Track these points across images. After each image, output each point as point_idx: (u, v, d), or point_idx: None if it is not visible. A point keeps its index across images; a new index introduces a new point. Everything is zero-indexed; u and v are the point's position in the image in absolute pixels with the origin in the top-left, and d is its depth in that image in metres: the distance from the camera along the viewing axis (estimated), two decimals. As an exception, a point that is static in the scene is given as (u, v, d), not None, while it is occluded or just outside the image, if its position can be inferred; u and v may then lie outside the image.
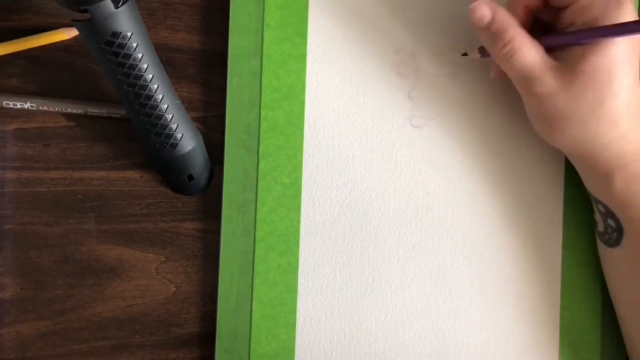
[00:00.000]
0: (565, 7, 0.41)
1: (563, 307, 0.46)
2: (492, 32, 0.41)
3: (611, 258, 0.44)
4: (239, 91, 0.45)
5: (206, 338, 0.46)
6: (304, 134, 0.45)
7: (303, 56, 0.45)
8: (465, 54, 0.45)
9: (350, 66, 0.46)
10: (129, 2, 0.39)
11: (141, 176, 0.46)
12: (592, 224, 0.46)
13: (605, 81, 0.39)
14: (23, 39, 0.44)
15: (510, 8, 0.42)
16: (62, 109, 0.44)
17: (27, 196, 0.45)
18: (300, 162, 0.45)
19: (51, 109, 0.44)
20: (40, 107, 0.44)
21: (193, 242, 0.46)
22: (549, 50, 0.41)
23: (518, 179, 0.46)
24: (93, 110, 0.44)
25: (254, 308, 0.45)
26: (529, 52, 0.40)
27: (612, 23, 0.39)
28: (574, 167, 0.46)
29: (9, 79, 0.45)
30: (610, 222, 0.43)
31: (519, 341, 0.46)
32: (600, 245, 0.45)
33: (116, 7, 0.38)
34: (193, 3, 0.46)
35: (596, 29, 0.39)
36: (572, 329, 0.46)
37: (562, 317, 0.46)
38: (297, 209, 0.45)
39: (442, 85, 0.46)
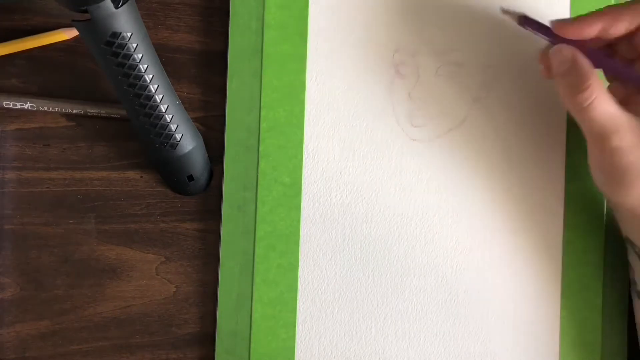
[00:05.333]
0: (628, 37, 0.40)
1: (563, 307, 0.46)
2: (572, 77, 0.39)
3: None
4: (239, 91, 0.45)
5: (206, 338, 0.46)
6: (304, 134, 0.45)
7: (303, 56, 0.45)
8: (506, 12, 0.43)
9: (350, 66, 0.46)
10: (129, 2, 0.39)
11: (141, 176, 0.46)
12: (592, 226, 0.46)
13: None
14: (23, 39, 0.44)
15: (602, 17, 0.40)
16: (62, 109, 0.44)
17: (27, 196, 0.45)
18: (301, 161, 0.45)
19: (51, 109, 0.44)
20: (40, 107, 0.44)
21: (193, 242, 0.46)
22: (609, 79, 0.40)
23: (518, 178, 0.46)
24: (93, 110, 0.44)
25: (254, 308, 0.45)
26: (609, 103, 0.39)
27: None
28: (574, 167, 0.46)
29: (9, 79, 0.45)
30: None
31: (519, 341, 0.46)
32: (635, 297, 0.44)
33: (116, 8, 0.38)
34: (193, 3, 0.46)
35: None
36: (572, 329, 0.46)
37: (562, 317, 0.46)
38: (297, 208, 0.45)
39: (442, 84, 0.46)
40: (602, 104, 0.39)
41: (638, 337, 0.45)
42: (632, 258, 0.44)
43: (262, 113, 0.45)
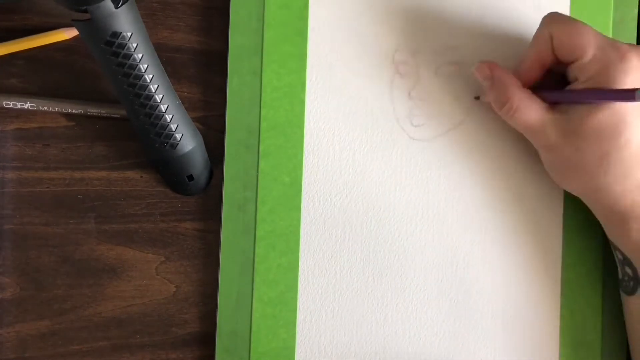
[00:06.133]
0: (571, 63, 0.41)
1: (563, 307, 0.46)
2: (494, 92, 0.42)
3: (628, 306, 0.44)
4: (239, 90, 0.45)
5: (206, 338, 0.46)
6: (304, 133, 0.45)
7: (303, 55, 0.45)
8: (477, 98, 0.46)
9: (350, 65, 0.46)
10: (129, 2, 0.39)
11: (141, 176, 0.46)
12: (591, 226, 0.46)
13: (611, 134, 0.39)
14: (23, 39, 0.44)
15: (524, 63, 0.43)
16: (62, 109, 0.44)
17: (27, 196, 0.45)
18: (301, 161, 0.45)
19: (51, 109, 0.44)
20: (40, 107, 0.44)
21: (193, 242, 0.46)
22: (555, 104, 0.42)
23: (518, 178, 0.46)
24: (93, 110, 0.44)
25: (254, 307, 0.45)
26: (528, 110, 0.41)
27: (615, 79, 0.39)
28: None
29: (9, 79, 0.45)
30: (628, 270, 0.43)
31: (519, 341, 0.46)
32: (620, 293, 0.45)
33: (116, 7, 0.38)
34: (193, 3, 0.46)
35: (592, 91, 0.40)
36: (572, 329, 0.46)
37: (562, 317, 0.46)
38: (298, 208, 0.45)
39: (442, 84, 0.46)
40: (522, 113, 0.41)
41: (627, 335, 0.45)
42: (614, 254, 0.45)
43: (262, 112, 0.45)
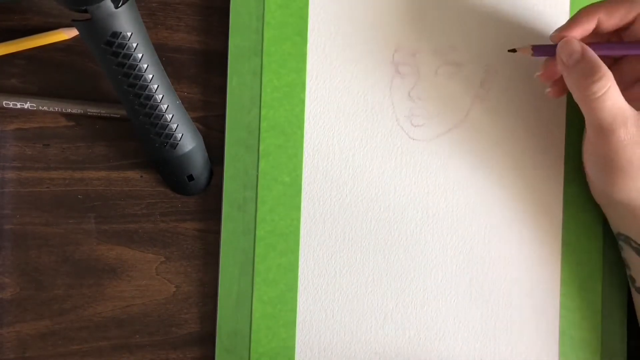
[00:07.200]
0: (625, 28, 0.40)
1: (563, 307, 0.46)
2: (581, 69, 0.39)
3: None
4: (239, 90, 0.45)
5: (206, 338, 0.46)
6: (304, 133, 0.45)
7: (303, 55, 0.45)
8: (513, 50, 0.43)
9: (350, 65, 0.46)
10: (129, 2, 0.39)
11: (141, 176, 0.46)
12: (592, 226, 0.46)
13: None
14: (23, 39, 0.44)
15: (566, 30, 0.41)
16: (62, 109, 0.44)
17: (27, 196, 0.45)
18: (301, 161, 0.45)
19: (51, 109, 0.44)
20: (40, 107, 0.44)
21: (193, 242, 0.46)
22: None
23: (517, 178, 0.46)
24: (93, 110, 0.44)
25: (254, 307, 0.45)
26: (620, 95, 0.39)
27: None
28: (573, 168, 0.46)
29: (9, 79, 0.45)
30: None
31: (519, 341, 0.46)
32: (634, 293, 0.45)
33: (116, 7, 0.38)
34: (193, 3, 0.46)
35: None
36: (572, 329, 0.46)
37: (562, 317, 0.46)
38: (298, 208, 0.45)
39: (442, 84, 0.46)
40: (614, 95, 0.39)
41: None
42: (629, 254, 0.44)
43: (262, 112, 0.45)
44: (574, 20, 0.41)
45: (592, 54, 0.40)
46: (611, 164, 0.40)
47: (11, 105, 0.44)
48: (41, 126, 0.45)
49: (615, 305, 0.46)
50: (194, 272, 0.46)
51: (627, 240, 0.43)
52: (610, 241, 0.46)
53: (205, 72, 0.46)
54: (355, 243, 0.45)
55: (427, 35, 0.46)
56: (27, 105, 0.44)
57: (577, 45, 0.40)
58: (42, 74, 0.45)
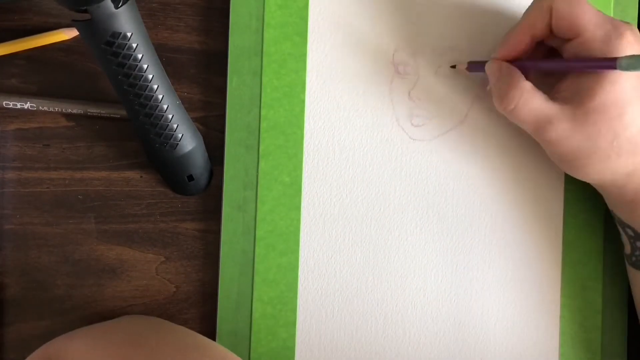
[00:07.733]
0: (569, 40, 0.41)
1: (563, 307, 0.46)
2: (499, 85, 0.41)
3: (638, 281, 0.44)
4: (239, 90, 0.45)
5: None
6: (304, 133, 0.45)
7: (303, 55, 0.45)
8: (453, 67, 0.46)
9: (350, 65, 0.46)
10: (129, 2, 0.39)
11: (141, 176, 0.46)
12: (592, 225, 0.46)
13: (617, 114, 0.39)
14: (23, 39, 0.44)
15: (515, 33, 0.42)
16: (62, 109, 0.44)
17: (27, 196, 0.45)
18: (301, 161, 0.45)
19: (51, 109, 0.44)
20: (40, 107, 0.44)
21: (193, 242, 0.46)
22: (550, 77, 0.42)
23: (517, 178, 0.46)
24: (93, 110, 0.44)
25: (254, 307, 0.45)
26: (535, 100, 0.40)
27: (612, 56, 0.39)
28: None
29: (9, 79, 0.45)
30: (639, 244, 0.43)
31: (519, 341, 0.46)
32: (629, 268, 0.45)
33: (116, 8, 0.38)
34: (193, 3, 0.46)
35: (575, 60, 0.40)
36: (572, 328, 0.46)
37: (562, 317, 0.46)
38: (298, 208, 0.45)
39: (442, 84, 0.46)
40: (527, 102, 0.40)
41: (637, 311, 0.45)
42: (621, 231, 0.45)
43: (262, 112, 0.45)
44: (505, 43, 0.43)
45: (507, 69, 0.41)
46: (564, 158, 0.42)
47: (11, 106, 0.44)
48: (41, 126, 0.45)
49: (615, 305, 0.47)
50: (194, 272, 0.46)
51: (617, 218, 0.44)
52: (610, 241, 0.46)
53: (205, 72, 0.46)
54: (355, 243, 0.45)
55: (427, 35, 0.46)
56: (27, 106, 0.44)
57: (495, 66, 0.42)
58: (42, 74, 0.45)
